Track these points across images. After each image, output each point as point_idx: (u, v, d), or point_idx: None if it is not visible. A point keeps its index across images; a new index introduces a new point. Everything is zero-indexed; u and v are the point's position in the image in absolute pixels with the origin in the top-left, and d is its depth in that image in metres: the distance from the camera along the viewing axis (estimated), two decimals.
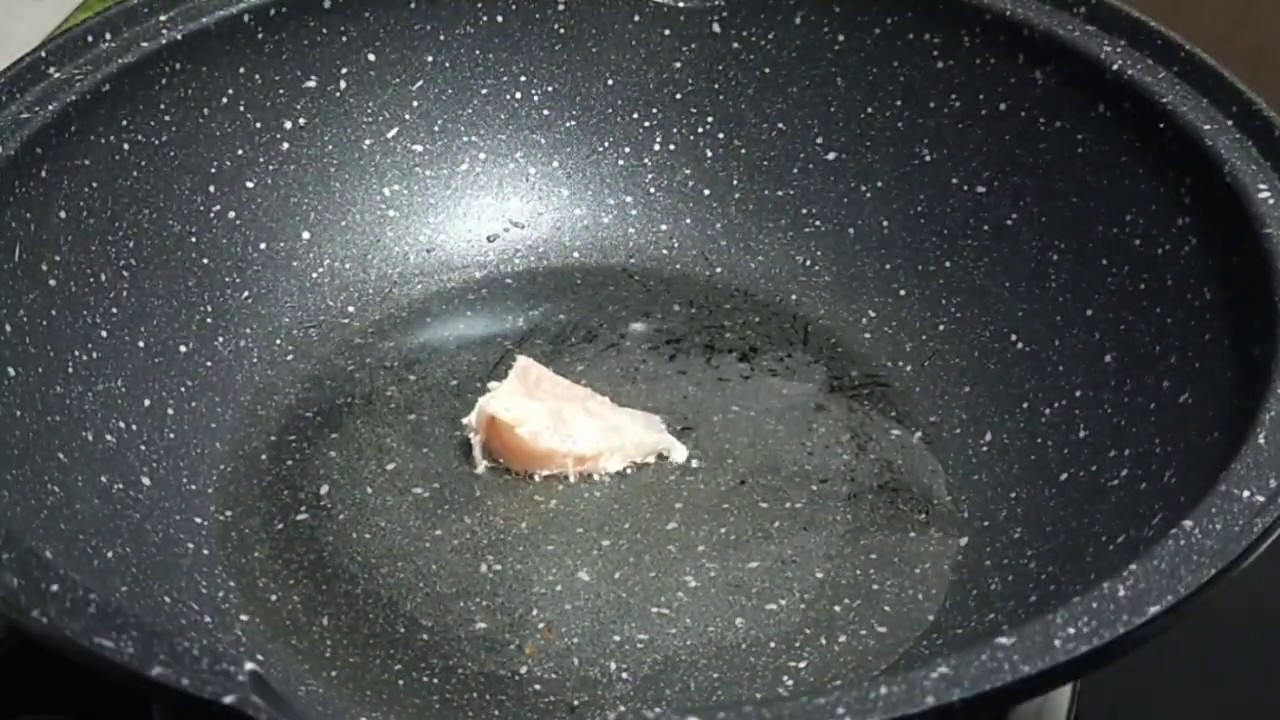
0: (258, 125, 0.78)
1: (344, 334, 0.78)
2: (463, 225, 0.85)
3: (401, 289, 0.82)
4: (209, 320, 0.75)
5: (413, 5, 0.81)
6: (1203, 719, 0.71)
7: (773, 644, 0.64)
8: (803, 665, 0.63)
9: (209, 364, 0.74)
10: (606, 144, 0.86)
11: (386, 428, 0.75)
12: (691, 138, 0.85)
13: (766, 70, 0.83)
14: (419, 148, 0.84)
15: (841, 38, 0.81)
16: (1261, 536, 0.51)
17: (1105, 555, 0.60)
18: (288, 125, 0.79)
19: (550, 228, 0.86)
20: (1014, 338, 0.75)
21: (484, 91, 0.84)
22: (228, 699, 0.44)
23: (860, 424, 0.75)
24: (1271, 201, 0.64)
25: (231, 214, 0.77)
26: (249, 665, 0.45)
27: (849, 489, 0.71)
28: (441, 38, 0.82)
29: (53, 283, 0.67)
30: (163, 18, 0.74)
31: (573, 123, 0.85)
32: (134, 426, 0.68)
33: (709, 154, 0.85)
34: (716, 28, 0.83)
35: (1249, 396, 0.58)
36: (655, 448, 0.72)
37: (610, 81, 0.85)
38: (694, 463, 0.73)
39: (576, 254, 0.85)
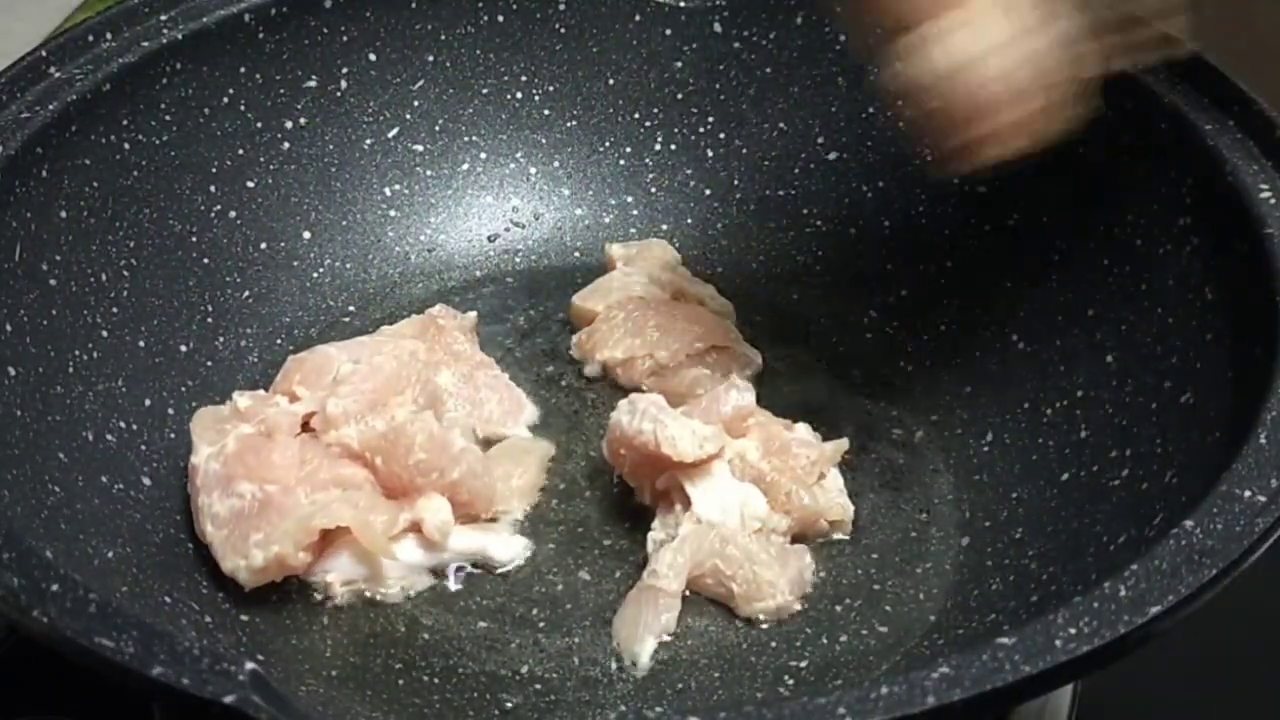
0: (258, 125, 0.78)
1: (344, 334, 0.78)
2: (464, 225, 0.85)
3: (402, 289, 0.82)
4: (209, 320, 0.75)
5: (413, 5, 0.81)
6: (1203, 719, 0.71)
7: (773, 643, 0.64)
8: (804, 665, 0.63)
9: (209, 364, 0.74)
10: (607, 144, 0.86)
11: None
12: (692, 138, 0.85)
13: (767, 70, 0.83)
14: (420, 147, 0.84)
15: (843, 38, 0.81)
16: (1263, 537, 0.51)
17: (1106, 555, 0.60)
18: (288, 125, 0.79)
19: (551, 227, 0.86)
20: (1015, 338, 0.75)
21: (484, 91, 0.84)
22: (228, 699, 0.44)
23: (861, 423, 0.75)
24: (1272, 202, 0.64)
25: (232, 214, 0.77)
26: (249, 665, 0.45)
27: (850, 488, 0.71)
28: (442, 38, 0.82)
29: (53, 282, 0.67)
30: (163, 17, 0.74)
31: (573, 123, 0.85)
32: (134, 426, 0.68)
33: (709, 154, 0.85)
34: (717, 28, 0.83)
35: (1250, 396, 0.58)
36: None
37: (611, 81, 0.85)
38: None
39: (577, 254, 0.85)
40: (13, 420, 0.61)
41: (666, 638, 0.64)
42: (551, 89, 0.85)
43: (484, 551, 0.67)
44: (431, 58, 0.83)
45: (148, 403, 0.70)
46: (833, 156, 0.82)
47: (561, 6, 0.83)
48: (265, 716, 0.44)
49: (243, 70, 0.77)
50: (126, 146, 0.72)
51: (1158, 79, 0.71)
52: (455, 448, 0.66)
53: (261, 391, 0.70)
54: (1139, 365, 0.68)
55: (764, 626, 0.65)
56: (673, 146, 0.85)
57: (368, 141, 0.82)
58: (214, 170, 0.76)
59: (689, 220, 0.85)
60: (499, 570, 0.67)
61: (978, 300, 0.76)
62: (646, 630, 0.63)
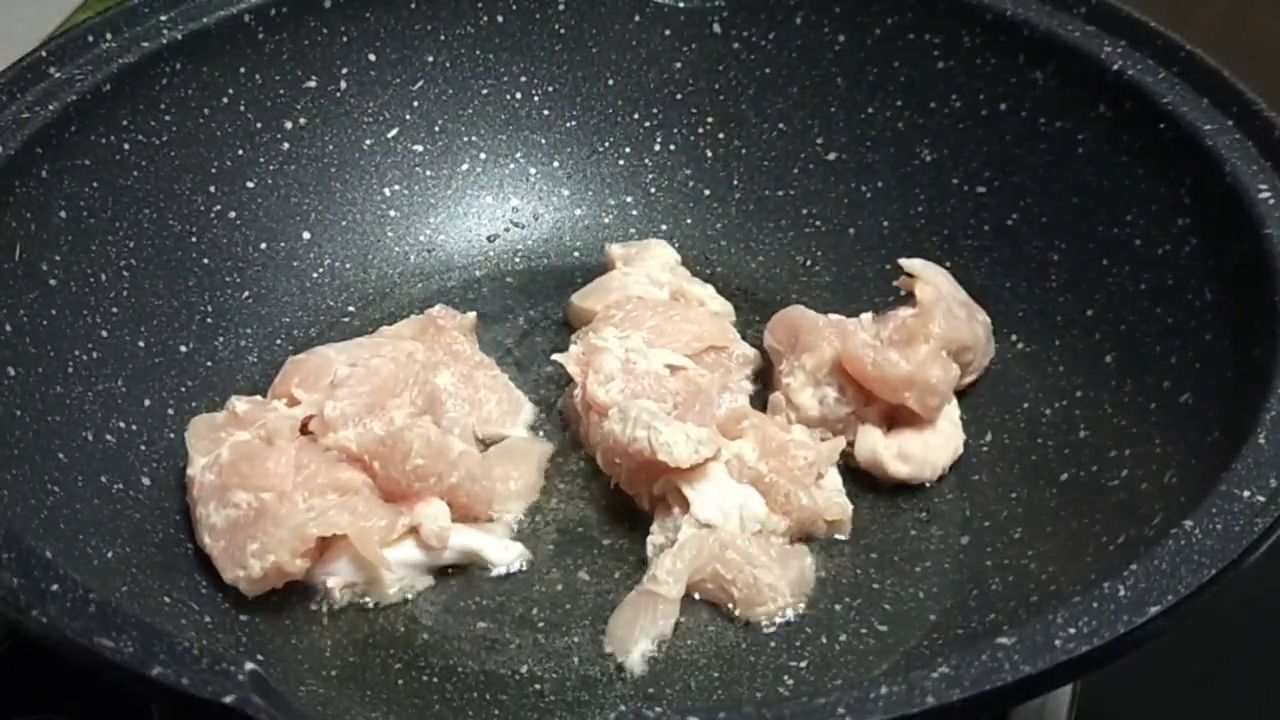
0: (258, 125, 0.78)
1: (344, 334, 0.78)
2: (463, 225, 0.85)
3: (402, 289, 0.82)
4: (209, 320, 0.75)
5: (413, 5, 0.81)
6: (1203, 719, 0.71)
7: (773, 643, 0.64)
8: (803, 665, 0.63)
9: (209, 364, 0.74)
10: (606, 144, 0.86)
11: None
12: (691, 138, 0.85)
13: (767, 70, 0.83)
14: (419, 148, 0.84)
15: (842, 38, 0.81)
16: (1262, 536, 0.51)
17: (1106, 555, 0.60)
18: (288, 125, 0.79)
19: (551, 227, 0.86)
20: (1014, 338, 0.75)
21: (484, 91, 0.84)
22: (227, 698, 0.44)
23: None
24: (1271, 201, 0.64)
25: (232, 214, 0.77)
26: (249, 665, 0.45)
27: (849, 488, 0.71)
28: (442, 38, 0.82)
29: (53, 282, 0.67)
30: (163, 18, 0.74)
31: (573, 123, 0.85)
32: (134, 426, 0.68)
33: (709, 154, 0.85)
34: (716, 28, 0.83)
35: (1249, 396, 0.58)
36: None
37: (610, 81, 0.85)
38: None
39: (577, 254, 0.85)
40: (13, 420, 0.61)
41: (661, 643, 0.64)
42: (551, 89, 0.85)
43: (482, 554, 0.67)
44: (431, 58, 0.83)
45: (147, 403, 0.70)
46: (832, 156, 0.82)
47: (561, 7, 0.83)
48: (265, 716, 0.44)
49: (243, 70, 0.77)
50: (126, 146, 0.72)
51: (1158, 79, 0.71)
52: (453, 452, 0.66)
53: (259, 397, 0.70)
54: (1138, 365, 0.68)
55: (764, 627, 0.65)
56: (672, 147, 0.85)
57: (367, 142, 0.82)
58: (214, 170, 0.76)
59: (689, 220, 0.85)
60: (498, 571, 0.67)
61: (977, 300, 0.76)
62: (642, 633, 0.63)
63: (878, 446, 0.70)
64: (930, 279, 0.73)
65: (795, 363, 0.72)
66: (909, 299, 0.74)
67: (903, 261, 0.74)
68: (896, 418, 0.71)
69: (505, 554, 0.67)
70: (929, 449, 0.71)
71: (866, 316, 0.74)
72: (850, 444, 0.71)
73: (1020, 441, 0.72)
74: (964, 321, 0.72)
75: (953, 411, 0.72)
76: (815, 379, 0.71)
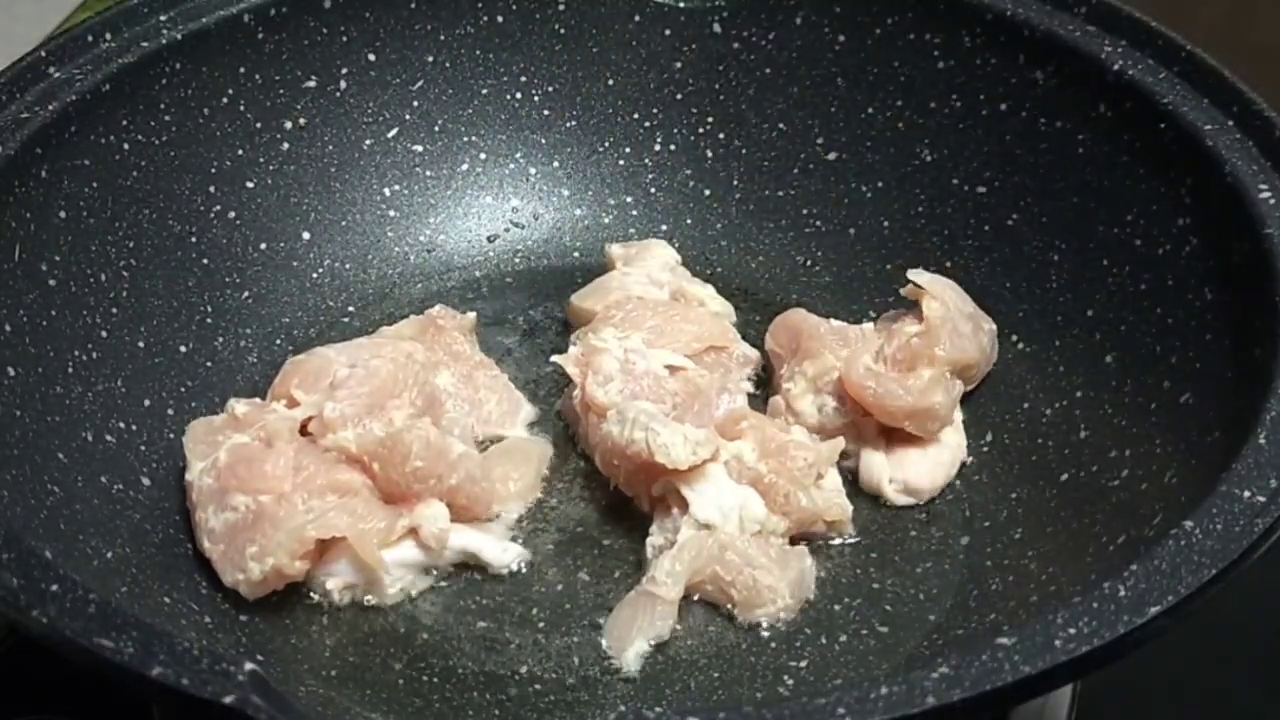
0: (258, 125, 0.78)
1: (344, 334, 0.78)
2: (463, 225, 0.85)
3: (402, 289, 0.82)
4: (209, 320, 0.75)
5: (413, 5, 0.81)
6: (1202, 719, 0.71)
7: (773, 644, 0.64)
8: (803, 665, 0.63)
9: (209, 364, 0.74)
10: (606, 144, 0.86)
11: None
12: (691, 138, 0.85)
13: (767, 70, 0.83)
14: (419, 148, 0.84)
15: (842, 38, 0.81)
16: (1262, 537, 0.51)
17: (1106, 555, 0.60)
18: (288, 125, 0.79)
19: (551, 228, 0.86)
20: (1015, 338, 0.75)
21: (484, 91, 0.84)
22: (228, 699, 0.44)
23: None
24: (1272, 201, 0.64)
25: (231, 214, 0.77)
26: (249, 665, 0.45)
27: (850, 488, 0.71)
28: (441, 38, 0.82)
29: (53, 283, 0.67)
30: (163, 18, 0.74)
31: (573, 123, 0.85)
32: (134, 426, 0.68)
33: (709, 154, 0.85)
34: (716, 28, 0.83)
35: (1249, 397, 0.58)
36: None
37: (610, 81, 0.85)
38: None
39: (577, 254, 0.85)
40: (13, 420, 0.61)
41: (659, 642, 0.64)
42: (551, 89, 0.85)
43: (481, 555, 0.67)
44: (431, 58, 0.83)
45: (147, 403, 0.70)
46: (832, 156, 0.82)
47: (561, 6, 0.83)
48: (265, 716, 0.44)
49: (242, 70, 0.77)
50: (126, 146, 0.72)
51: (1158, 79, 0.71)
52: (453, 454, 0.66)
53: (258, 399, 0.70)
54: (1138, 365, 0.68)
55: (763, 628, 0.65)
56: (672, 147, 0.85)
57: (367, 142, 0.82)
58: (214, 170, 0.76)
59: (689, 220, 0.85)
60: (498, 571, 0.67)
61: (978, 300, 0.76)
62: (639, 634, 0.63)
63: (881, 481, 0.70)
64: (938, 293, 0.72)
65: (796, 369, 0.72)
66: (910, 302, 0.73)
67: (911, 273, 0.73)
68: (897, 431, 0.71)
69: (505, 554, 0.67)
70: (933, 471, 0.70)
71: (869, 326, 0.74)
72: (849, 454, 0.71)
73: (1020, 441, 0.72)
74: (969, 337, 0.72)
75: (956, 420, 0.72)
76: (815, 386, 0.71)
